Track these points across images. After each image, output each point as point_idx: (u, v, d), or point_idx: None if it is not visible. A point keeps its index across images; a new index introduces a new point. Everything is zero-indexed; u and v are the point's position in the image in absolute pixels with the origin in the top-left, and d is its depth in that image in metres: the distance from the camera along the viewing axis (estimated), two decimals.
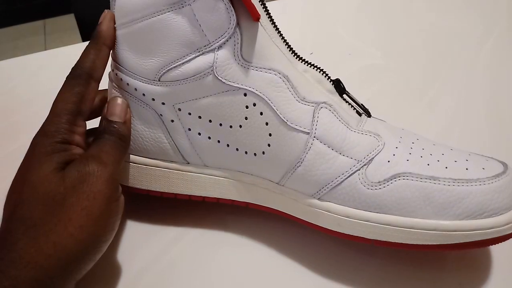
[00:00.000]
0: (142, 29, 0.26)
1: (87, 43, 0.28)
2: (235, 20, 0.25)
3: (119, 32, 0.28)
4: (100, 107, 0.31)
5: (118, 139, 0.27)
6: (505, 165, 0.26)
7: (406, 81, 0.45)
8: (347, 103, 0.28)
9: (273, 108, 0.26)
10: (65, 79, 0.27)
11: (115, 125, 0.27)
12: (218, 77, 0.26)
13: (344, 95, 0.28)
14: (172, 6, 0.25)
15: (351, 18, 0.58)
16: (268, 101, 0.26)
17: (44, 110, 0.27)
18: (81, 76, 0.27)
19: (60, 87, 0.27)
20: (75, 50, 0.30)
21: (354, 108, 0.28)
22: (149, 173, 0.30)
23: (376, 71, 0.47)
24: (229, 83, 0.26)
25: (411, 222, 0.24)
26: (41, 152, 0.25)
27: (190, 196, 0.30)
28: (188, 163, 0.29)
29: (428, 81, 0.45)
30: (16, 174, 0.26)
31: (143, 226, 0.31)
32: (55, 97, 0.27)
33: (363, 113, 0.28)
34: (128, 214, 0.32)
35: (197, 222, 0.31)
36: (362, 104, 0.29)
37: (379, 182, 0.25)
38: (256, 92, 0.26)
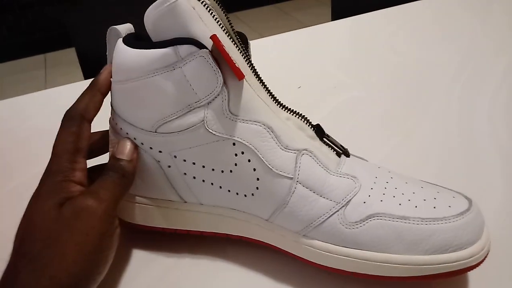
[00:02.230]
0: (137, 87, 0.29)
1: (85, 81, 0.31)
2: (222, 80, 0.27)
3: (117, 87, 0.31)
4: (100, 146, 0.34)
5: (121, 176, 0.29)
6: (470, 201, 0.29)
7: (386, 111, 0.48)
8: (327, 146, 0.31)
9: (259, 156, 0.29)
10: (61, 121, 0.30)
11: (121, 163, 0.30)
12: (209, 130, 0.28)
13: (324, 139, 0.31)
14: (165, 69, 0.28)
15: (336, 53, 0.62)
16: (255, 150, 0.29)
17: (43, 148, 0.29)
18: (75, 117, 0.30)
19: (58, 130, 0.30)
20: (74, 89, 0.32)
21: (334, 150, 0.31)
22: (150, 212, 0.33)
23: (359, 103, 0.50)
24: (219, 134, 0.29)
25: (385, 257, 0.27)
26: (44, 191, 0.28)
27: (188, 231, 0.33)
28: (186, 202, 0.32)
29: (407, 111, 0.48)
30: (25, 210, 0.28)
31: (142, 252, 0.34)
32: (54, 135, 0.30)
33: (342, 153, 0.31)
34: (128, 240, 0.34)
35: (195, 248, 0.34)
36: (341, 146, 0.31)
37: (356, 222, 0.28)
38: (244, 142, 0.29)
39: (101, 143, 0.34)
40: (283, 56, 0.61)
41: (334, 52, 0.62)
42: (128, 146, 0.30)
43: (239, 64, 0.28)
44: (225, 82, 0.28)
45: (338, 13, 0.79)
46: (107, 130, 0.34)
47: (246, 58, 0.29)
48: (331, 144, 0.31)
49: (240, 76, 0.27)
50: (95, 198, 0.27)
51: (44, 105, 0.52)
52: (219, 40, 0.27)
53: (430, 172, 0.40)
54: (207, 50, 0.27)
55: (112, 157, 0.30)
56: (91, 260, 0.27)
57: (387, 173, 0.30)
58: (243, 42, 0.30)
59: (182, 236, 0.34)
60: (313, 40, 0.65)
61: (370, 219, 0.28)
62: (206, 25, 0.27)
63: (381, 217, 0.27)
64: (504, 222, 0.34)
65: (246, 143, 0.29)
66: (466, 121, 0.46)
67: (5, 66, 1.98)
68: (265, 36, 0.64)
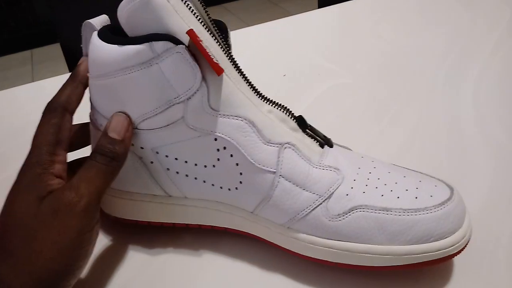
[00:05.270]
0: (115, 84, 0.28)
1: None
2: (200, 76, 0.27)
3: (94, 82, 0.30)
4: (79, 138, 0.33)
5: (109, 161, 0.28)
6: (451, 190, 0.29)
7: (371, 98, 0.48)
8: (310, 137, 0.31)
9: (241, 151, 0.28)
10: (42, 113, 0.29)
11: (110, 145, 0.28)
12: (190, 126, 0.28)
13: (307, 130, 0.31)
14: (141, 66, 0.27)
15: (321, 41, 0.61)
16: (237, 145, 0.28)
17: (31, 141, 0.29)
18: (57, 109, 0.29)
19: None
20: (61, 81, 0.31)
21: (317, 141, 0.31)
22: (135, 206, 0.33)
23: (345, 90, 0.50)
24: (200, 130, 0.28)
25: (368, 248, 0.27)
26: (23, 184, 0.27)
27: (174, 224, 0.33)
28: (170, 196, 0.32)
29: (391, 98, 0.48)
30: (4, 204, 0.28)
31: (125, 243, 0.34)
32: None
33: (325, 144, 0.31)
34: (110, 232, 0.34)
35: (178, 238, 0.34)
36: (324, 136, 0.31)
37: (338, 214, 0.28)
38: (225, 137, 0.28)
39: (79, 135, 0.33)
40: (268, 44, 0.61)
41: (319, 39, 0.61)
42: (120, 121, 0.28)
43: (218, 58, 0.27)
44: (204, 77, 0.27)
45: (324, 2, 0.78)
46: (87, 122, 0.33)
47: (225, 50, 0.29)
48: (314, 135, 0.31)
49: (219, 71, 0.27)
50: (76, 193, 0.26)
51: (33, 97, 0.51)
52: (196, 35, 0.26)
53: (415, 158, 0.40)
54: (184, 46, 0.26)
55: (103, 135, 0.28)
56: (70, 257, 0.26)
57: (371, 163, 0.30)
58: (222, 31, 0.30)
59: (166, 226, 0.34)
60: (299, 28, 0.64)
61: (353, 212, 0.28)
62: (182, 18, 0.27)
63: (363, 209, 0.28)
64: (487, 207, 0.34)
65: (228, 138, 0.28)
66: (451, 107, 0.46)
67: None
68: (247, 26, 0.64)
